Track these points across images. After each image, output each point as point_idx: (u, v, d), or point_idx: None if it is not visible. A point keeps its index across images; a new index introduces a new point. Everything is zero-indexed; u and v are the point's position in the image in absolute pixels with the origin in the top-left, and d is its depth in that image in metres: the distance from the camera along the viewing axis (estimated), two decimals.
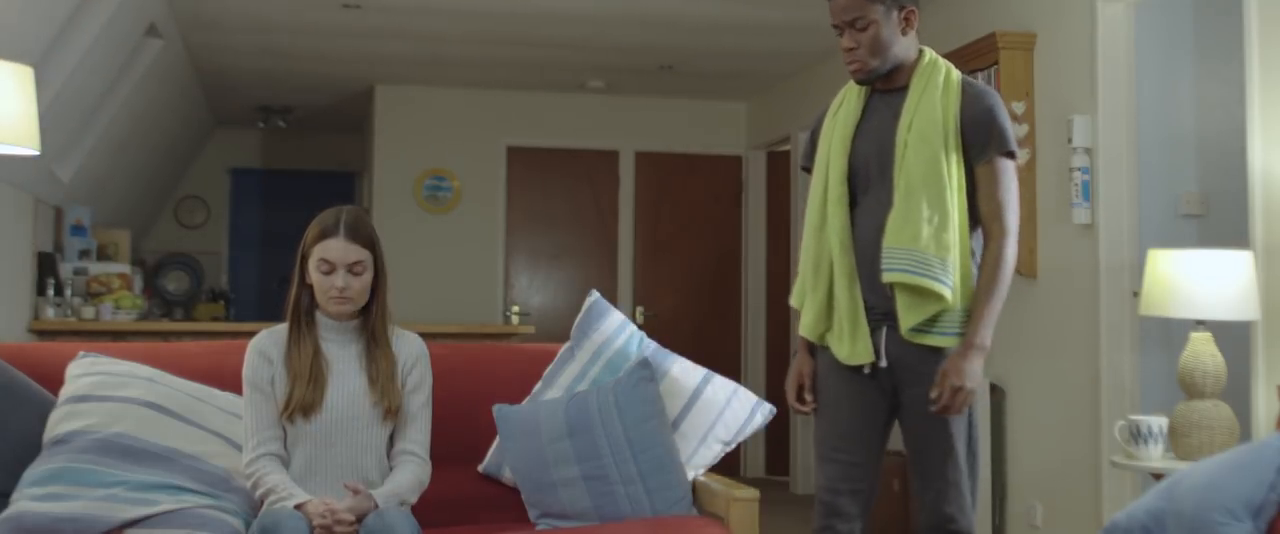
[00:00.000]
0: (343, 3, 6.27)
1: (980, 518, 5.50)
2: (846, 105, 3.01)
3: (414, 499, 2.92)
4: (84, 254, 6.76)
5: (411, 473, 2.92)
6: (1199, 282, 3.80)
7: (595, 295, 3.57)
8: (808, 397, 3.04)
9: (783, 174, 8.31)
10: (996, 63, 5.36)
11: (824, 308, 2.95)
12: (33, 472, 2.88)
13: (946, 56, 5.67)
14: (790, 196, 8.04)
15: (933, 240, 2.78)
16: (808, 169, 3.15)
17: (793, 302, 3.07)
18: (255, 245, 10.44)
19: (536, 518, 3.21)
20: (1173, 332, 4.62)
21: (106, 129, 6.67)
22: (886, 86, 2.96)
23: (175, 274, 8.91)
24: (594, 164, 8.71)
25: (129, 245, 7.43)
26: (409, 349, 3.02)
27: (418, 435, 2.98)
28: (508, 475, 3.30)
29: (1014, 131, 2.92)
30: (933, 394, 2.79)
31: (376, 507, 2.77)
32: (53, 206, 6.52)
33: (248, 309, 9.89)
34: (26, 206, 5.90)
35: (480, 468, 3.35)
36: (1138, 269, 4.51)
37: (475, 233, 8.38)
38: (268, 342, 2.95)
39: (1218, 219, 5.04)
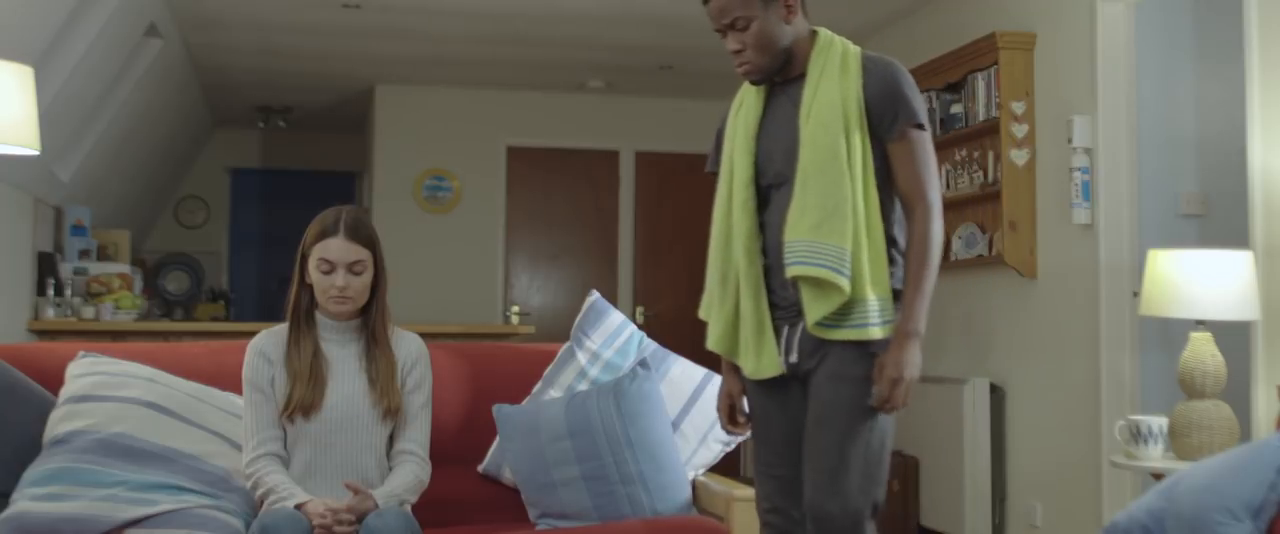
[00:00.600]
0: (343, 3, 6.27)
1: (980, 517, 5.50)
2: (747, 104, 2.82)
3: (414, 499, 2.93)
4: (84, 254, 6.76)
5: (411, 473, 2.92)
6: (1199, 281, 3.80)
7: (595, 295, 3.57)
8: (740, 417, 2.87)
9: None
10: (996, 63, 5.36)
11: (732, 321, 2.78)
12: (33, 472, 2.88)
13: (946, 57, 5.72)
14: None
15: (829, 230, 2.60)
16: (715, 173, 2.94)
17: (701, 313, 2.87)
18: (255, 245, 10.43)
19: (536, 518, 3.21)
20: (1173, 332, 4.62)
21: (106, 129, 6.67)
22: (785, 77, 2.77)
23: (175, 274, 8.90)
24: (594, 164, 8.71)
25: (129, 245, 7.43)
26: (409, 349, 3.02)
27: (417, 435, 2.98)
28: (508, 475, 3.30)
29: (923, 102, 2.74)
30: (873, 390, 2.61)
31: (376, 506, 2.77)
32: (53, 206, 6.52)
33: (248, 309, 9.89)
34: (26, 206, 5.90)
35: (480, 468, 3.35)
36: (1138, 269, 4.51)
37: (475, 233, 8.38)
38: (267, 342, 2.95)
39: (1218, 219, 5.04)
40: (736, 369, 2.84)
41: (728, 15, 2.67)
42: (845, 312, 2.62)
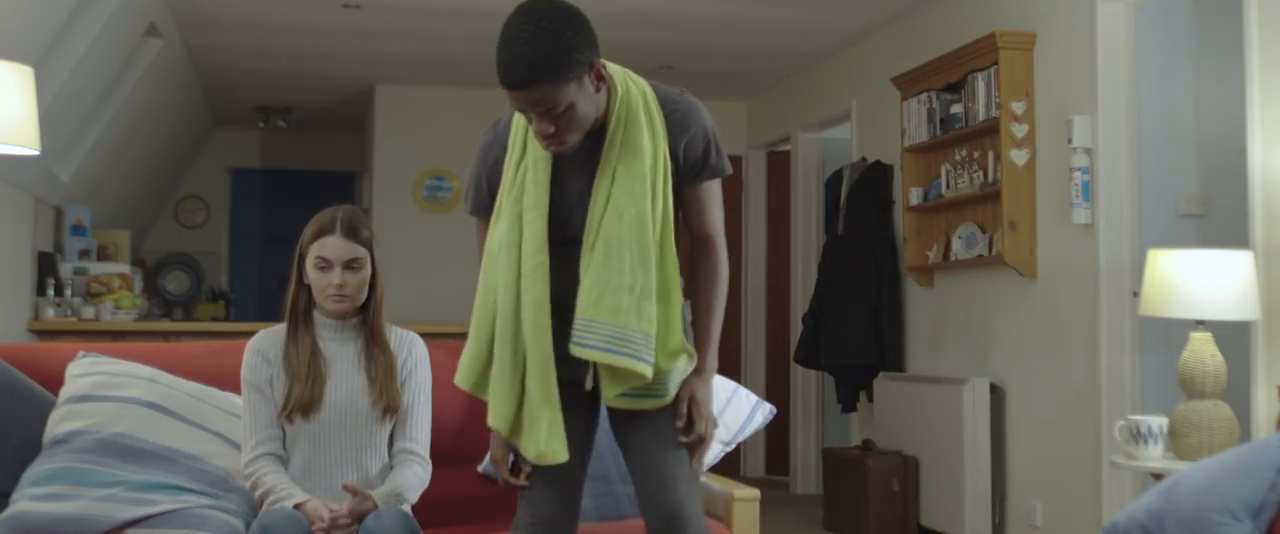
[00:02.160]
0: (343, 3, 6.27)
1: (980, 517, 5.50)
2: (534, 152, 2.52)
3: (414, 498, 2.93)
4: (84, 254, 6.76)
5: (411, 472, 2.92)
6: (1199, 281, 3.80)
7: None
8: (524, 467, 2.59)
9: (783, 174, 8.32)
10: (996, 63, 5.36)
11: (520, 401, 2.52)
12: (33, 472, 2.88)
13: (946, 57, 5.72)
14: (790, 196, 8.04)
15: (634, 312, 2.43)
16: (479, 215, 2.75)
17: (461, 381, 2.60)
18: (255, 245, 10.44)
19: None
20: (1173, 332, 4.62)
21: (106, 129, 6.67)
22: None
23: (175, 274, 8.90)
24: None
25: (129, 245, 7.43)
26: (408, 348, 3.02)
27: (417, 434, 2.98)
28: None
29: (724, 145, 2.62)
30: (681, 425, 2.54)
31: (376, 507, 2.77)
32: (53, 206, 6.52)
33: (248, 309, 9.89)
34: (26, 206, 5.90)
35: (480, 468, 3.35)
36: (1138, 269, 4.51)
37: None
38: (266, 342, 2.95)
39: (1218, 219, 5.05)
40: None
41: (543, 105, 2.36)
42: (647, 385, 2.50)
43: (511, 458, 2.61)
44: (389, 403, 2.92)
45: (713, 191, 2.62)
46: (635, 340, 2.44)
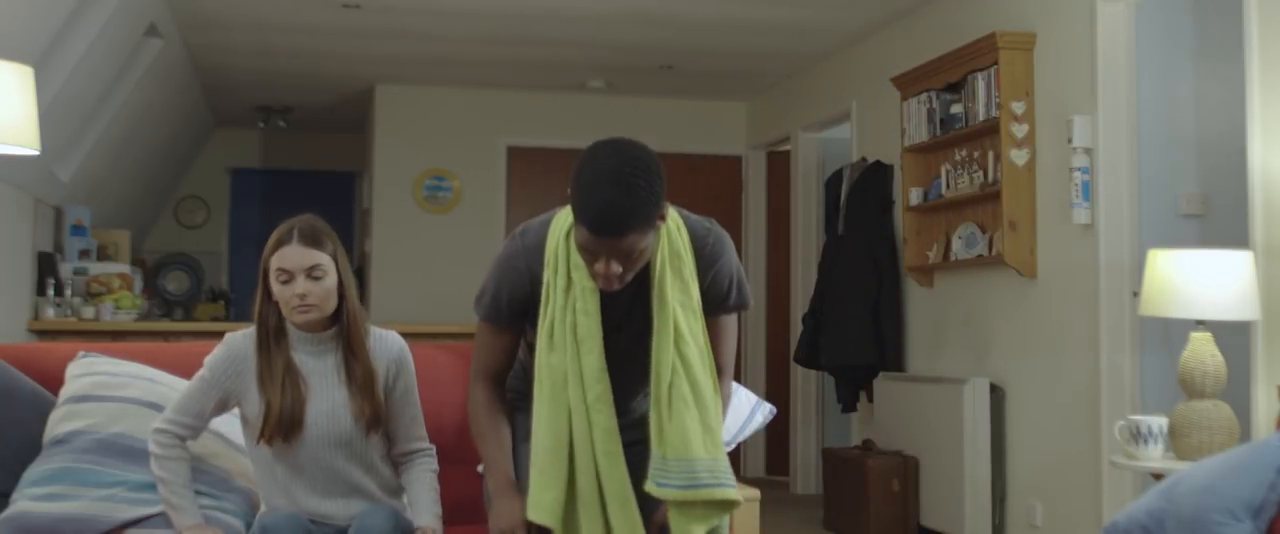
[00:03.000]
0: (343, 3, 6.27)
1: (980, 517, 5.50)
2: (580, 281, 2.49)
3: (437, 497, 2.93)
4: (84, 254, 6.76)
5: (424, 472, 2.91)
6: (1199, 281, 3.80)
7: None
8: None
9: (783, 174, 8.32)
10: (996, 63, 5.36)
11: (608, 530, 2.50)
12: (33, 472, 2.88)
13: (946, 57, 5.72)
14: (790, 196, 8.04)
15: (715, 443, 2.50)
16: (499, 324, 2.65)
17: (544, 519, 2.50)
18: (255, 245, 10.31)
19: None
20: (1173, 332, 4.62)
21: (106, 129, 6.67)
22: None
23: (175, 274, 8.90)
24: None
25: (129, 245, 7.43)
26: (388, 350, 2.93)
27: (415, 430, 2.94)
28: None
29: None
30: None
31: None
32: (53, 206, 6.52)
33: (247, 309, 9.83)
34: (26, 206, 5.90)
35: (480, 468, 3.34)
36: (1138, 269, 4.51)
37: (475, 233, 8.38)
38: (243, 345, 2.86)
39: (1218, 219, 5.04)
40: (520, 494, 2.60)
41: (626, 251, 2.36)
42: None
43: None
44: (373, 415, 2.82)
45: (730, 322, 2.66)
46: (727, 470, 2.49)
